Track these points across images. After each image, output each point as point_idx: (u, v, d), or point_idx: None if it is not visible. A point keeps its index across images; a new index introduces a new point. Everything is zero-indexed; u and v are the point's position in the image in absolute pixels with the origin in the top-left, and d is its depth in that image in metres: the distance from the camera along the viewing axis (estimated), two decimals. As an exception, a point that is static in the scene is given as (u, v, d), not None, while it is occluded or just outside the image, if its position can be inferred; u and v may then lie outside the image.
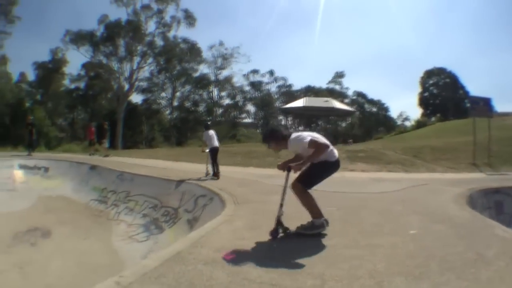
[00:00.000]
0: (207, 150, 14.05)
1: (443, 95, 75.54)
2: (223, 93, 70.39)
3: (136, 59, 55.59)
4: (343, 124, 75.13)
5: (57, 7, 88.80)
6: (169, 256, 4.75)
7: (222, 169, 14.08)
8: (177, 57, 58.41)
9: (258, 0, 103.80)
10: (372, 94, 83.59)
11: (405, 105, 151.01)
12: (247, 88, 73.09)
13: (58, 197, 15.88)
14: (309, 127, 67.11)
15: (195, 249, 4.96)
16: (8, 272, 8.75)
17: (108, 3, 53.75)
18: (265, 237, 5.45)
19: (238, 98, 72.40)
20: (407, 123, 79.00)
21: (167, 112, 67.54)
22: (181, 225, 9.82)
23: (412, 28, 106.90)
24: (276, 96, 75.89)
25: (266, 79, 74.30)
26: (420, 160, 19.74)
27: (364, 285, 3.78)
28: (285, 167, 5.55)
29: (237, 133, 60.92)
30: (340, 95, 71.09)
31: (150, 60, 57.41)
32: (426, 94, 79.36)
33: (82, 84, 62.25)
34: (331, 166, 5.76)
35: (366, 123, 75.88)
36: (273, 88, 75.96)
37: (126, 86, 54.91)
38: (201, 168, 14.78)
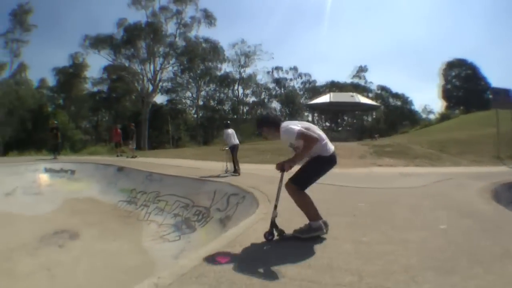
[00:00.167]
0: (226, 148, 15.08)
1: (465, 87, 73.74)
2: (248, 91, 70.35)
3: (159, 60, 56.17)
4: (369, 119, 74.23)
5: (73, 13, 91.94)
6: (207, 255, 4.74)
7: (251, 166, 14.62)
8: (200, 57, 58.68)
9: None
10: (394, 88, 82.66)
11: (427, 97, 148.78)
12: (271, 85, 72.78)
13: (85, 199, 16.00)
14: (335, 122, 66.98)
15: (233, 248, 4.99)
16: (36, 274, 8.81)
17: (126, 6, 55.08)
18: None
19: (263, 95, 72.14)
20: (431, 116, 78.37)
21: (193, 111, 67.78)
22: (214, 224, 9.79)
23: (430, 18, 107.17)
24: (300, 92, 75.37)
25: (290, 75, 74.02)
26: (446, 154, 20.09)
27: (399, 280, 3.83)
28: (282, 166, 5.37)
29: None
30: (364, 90, 70.33)
31: (172, 60, 57.75)
32: (448, 86, 77.66)
33: (104, 87, 63.31)
34: (326, 162, 5.48)
35: (391, 117, 74.89)
36: (297, 84, 75.56)
37: (150, 87, 55.46)
38: (228, 166, 15.21)
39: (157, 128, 54.95)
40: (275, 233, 5.41)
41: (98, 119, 64.51)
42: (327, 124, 71.58)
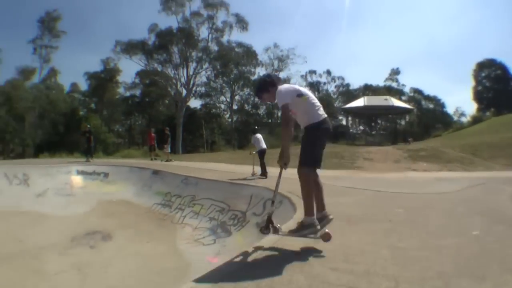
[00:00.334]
0: (254, 152, 15.96)
1: (495, 87, 71.69)
2: None
3: (192, 65, 56.28)
4: (402, 122, 73.14)
5: (103, 19, 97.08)
6: (245, 260, 4.77)
7: (287, 171, 13.57)
8: (233, 61, 58.68)
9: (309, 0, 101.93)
10: (427, 90, 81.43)
11: (460, 100, 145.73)
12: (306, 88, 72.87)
13: (119, 201, 16.16)
14: (369, 126, 66.20)
15: (273, 253, 4.96)
16: (65, 273, 8.83)
17: (156, 12, 55.81)
18: (339, 239, 5.36)
19: None
20: (463, 119, 76.12)
21: (227, 115, 67.95)
22: (250, 229, 9.71)
23: (461, 17, 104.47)
24: (334, 96, 74.95)
25: (323, 79, 73.64)
26: (478, 158, 20.00)
27: (434, 286, 3.85)
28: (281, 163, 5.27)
29: (298, 135, 59.92)
30: (397, 93, 69.29)
31: (206, 65, 57.91)
32: (479, 87, 75.69)
33: (137, 91, 63.97)
34: (322, 129, 5.18)
35: (424, 120, 73.56)
36: (331, 87, 75.19)
37: (184, 92, 55.53)
38: (255, 170, 15.85)
39: (192, 132, 55.25)
40: (271, 229, 5.30)
41: (131, 122, 65.58)
42: (361, 127, 71.05)
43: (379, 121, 68.73)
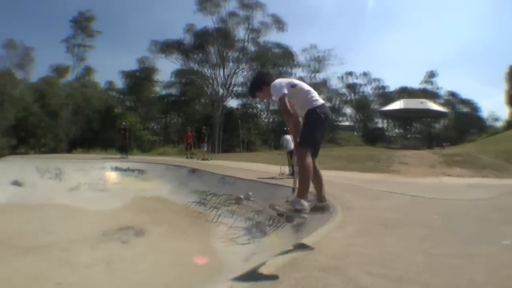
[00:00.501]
0: (283, 153, 16.83)
1: None
2: (321, 96, 69.72)
3: (229, 64, 56.36)
4: (437, 126, 71.53)
5: (139, 19, 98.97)
6: (284, 262, 4.77)
7: (325, 173, 13.56)
8: (271, 62, 58.44)
9: (345, 1, 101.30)
10: (463, 93, 78.66)
11: (495, 103, 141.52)
12: (343, 90, 72.01)
13: (153, 198, 16.33)
14: (405, 129, 65.32)
15: (309, 256, 4.95)
16: (95, 266, 8.86)
17: (191, 12, 56.52)
18: (375, 243, 5.57)
19: (335, 101, 71.34)
20: (498, 123, 73.75)
21: (264, 116, 67.76)
22: (286, 230, 9.40)
23: (492, 19, 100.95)
24: (372, 98, 74.08)
25: (361, 80, 72.89)
26: None
27: None
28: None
29: (336, 136, 59.71)
30: (433, 96, 67.64)
31: (243, 65, 57.88)
32: None
33: (174, 90, 64.25)
34: (316, 114, 5.15)
35: (459, 124, 71.66)
36: (368, 89, 74.32)
37: (221, 91, 55.72)
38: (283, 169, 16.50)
39: (229, 132, 55.44)
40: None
41: (167, 120, 66.13)
42: (397, 130, 70.12)
43: (415, 124, 67.54)
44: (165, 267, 8.63)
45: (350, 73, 72.32)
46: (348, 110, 73.58)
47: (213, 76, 55.86)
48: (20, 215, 13.93)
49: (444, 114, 53.64)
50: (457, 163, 19.73)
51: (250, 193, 5.84)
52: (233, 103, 64.16)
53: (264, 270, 4.48)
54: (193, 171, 18.05)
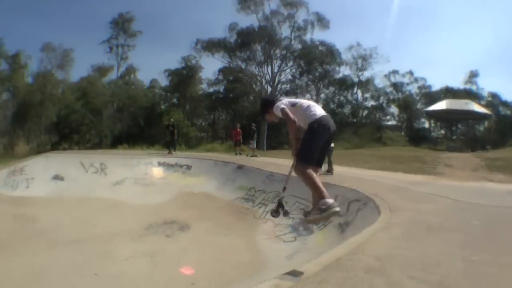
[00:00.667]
0: None
1: None
2: (367, 95, 68.66)
3: (276, 62, 56.39)
4: (480, 128, 69.04)
5: (181, 18, 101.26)
6: (330, 261, 4.96)
7: (371, 173, 15.71)
8: (317, 60, 58.08)
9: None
10: (503, 95, 75.48)
11: None
12: (389, 89, 70.74)
13: (200, 193, 16.37)
14: (449, 130, 63.71)
15: (355, 256, 5.12)
16: (137, 259, 9.00)
17: (233, 11, 57.15)
18: (418, 247, 5.62)
19: (382, 99, 70.16)
20: None
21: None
22: (332, 229, 9.54)
23: None
24: (417, 98, 72.39)
25: (406, 79, 71.33)
26: None
27: None
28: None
29: (382, 136, 58.80)
30: (475, 97, 65.31)
31: (290, 63, 57.81)
32: None
33: (220, 88, 64.86)
34: (316, 127, 5.48)
35: (500, 127, 68.92)
36: (413, 89, 72.66)
37: (269, 89, 55.66)
38: (349, 171, 16.43)
39: (276, 129, 55.23)
40: (281, 212, 5.90)
41: (215, 117, 66.73)
42: (442, 132, 68.42)
43: (459, 126, 65.73)
44: (208, 262, 8.60)
45: (394, 72, 71.07)
46: (394, 109, 72.42)
47: (261, 74, 55.97)
48: (60, 208, 14.33)
49: (486, 116, 51.68)
50: (499, 168, 19.12)
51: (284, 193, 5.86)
52: (279, 100, 64.33)
53: (309, 269, 4.61)
54: (240, 167, 18.05)
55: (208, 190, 16.57)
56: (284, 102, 5.68)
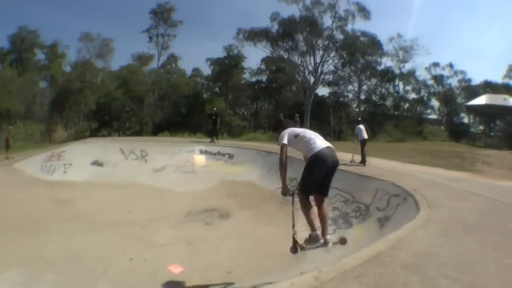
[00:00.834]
0: (356, 141, 17.59)
1: None
2: (408, 87, 67.30)
3: (319, 53, 55.79)
4: None
5: (221, 8, 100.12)
6: (369, 256, 5.09)
7: (411, 167, 15.74)
8: (360, 50, 57.27)
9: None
10: None
11: None
12: (430, 82, 69.01)
13: (242, 182, 16.39)
14: (488, 126, 61.73)
15: (394, 252, 5.29)
16: (174, 245, 9.06)
17: (276, 1, 55.86)
18: (455, 246, 5.72)
19: (423, 92, 68.56)
20: None
21: (355, 105, 66.62)
22: (371, 223, 9.69)
23: None
24: (457, 91, 70.33)
25: (446, 72, 69.30)
26: None
27: None
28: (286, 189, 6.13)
29: (423, 130, 57.42)
30: None
31: (333, 53, 57.17)
32: None
33: (263, 77, 64.64)
34: (311, 162, 6.00)
35: None
36: (453, 82, 70.54)
37: (312, 79, 55.29)
38: (389, 164, 16.61)
39: (319, 120, 54.84)
40: (299, 248, 5.98)
41: (257, 107, 66.49)
42: (481, 128, 66.33)
43: (498, 122, 63.49)
44: (246, 251, 8.58)
45: (435, 64, 69.33)
46: (435, 103, 70.69)
47: (304, 64, 55.59)
48: (99, 193, 14.60)
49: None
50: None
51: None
52: (324, 91, 63.74)
53: (349, 263, 4.75)
54: (284, 157, 17.70)
55: (250, 180, 16.58)
56: (286, 136, 6.18)
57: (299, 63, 54.82)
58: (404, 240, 5.84)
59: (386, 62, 62.73)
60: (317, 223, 5.98)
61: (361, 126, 17.09)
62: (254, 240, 9.52)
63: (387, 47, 60.70)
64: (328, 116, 53.74)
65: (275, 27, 54.69)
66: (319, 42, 54.36)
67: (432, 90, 66.41)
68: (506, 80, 66.62)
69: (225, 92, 59.81)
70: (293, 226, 6.08)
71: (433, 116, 68.08)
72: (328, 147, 5.99)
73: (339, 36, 55.14)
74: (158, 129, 43.89)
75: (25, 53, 54.22)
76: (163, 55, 59.67)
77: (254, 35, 54.57)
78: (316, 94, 56.73)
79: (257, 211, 12.45)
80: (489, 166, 18.78)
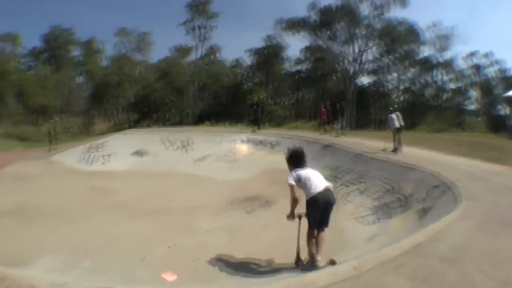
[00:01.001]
0: (390, 130, 17.28)
1: None
2: (447, 78, 65.72)
3: (358, 42, 55.14)
4: None
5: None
6: (409, 247, 5.27)
7: (450, 158, 15.65)
8: (399, 39, 56.33)
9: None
10: None
11: None
12: (468, 72, 67.07)
13: (285, 171, 15.68)
14: None
15: (433, 243, 5.42)
16: (215, 233, 9.20)
17: None
18: (492, 242, 5.68)
19: (461, 82, 66.77)
20: None
21: (395, 95, 65.68)
22: (411, 214, 9.52)
23: None
24: (495, 82, 68.08)
25: (484, 61, 67.08)
26: None
27: None
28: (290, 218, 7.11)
29: (462, 121, 56.01)
30: None
31: (372, 42, 56.46)
32: None
33: (304, 67, 64.13)
34: (309, 204, 6.69)
35: None
36: (491, 72, 68.21)
37: (352, 69, 54.77)
38: (429, 155, 16.24)
39: (361, 109, 54.32)
40: (304, 261, 6.80)
41: (299, 96, 66.22)
42: None
43: None
44: (287, 240, 8.23)
45: (474, 53, 67.34)
46: (474, 94, 68.72)
47: (344, 53, 55.14)
48: (139, 182, 14.93)
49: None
50: None
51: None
52: (365, 80, 63.07)
53: (388, 253, 5.00)
54: (327, 146, 17.87)
55: (292, 168, 16.33)
56: (293, 176, 6.95)
57: (339, 52, 54.42)
58: (442, 232, 5.95)
59: (425, 51, 61.62)
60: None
61: (393, 115, 17.02)
62: (295, 229, 9.29)
63: (425, 35, 59.72)
64: (369, 106, 53.23)
65: (313, 17, 54.41)
66: (358, 31, 53.91)
67: (470, 81, 64.93)
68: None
69: (266, 82, 59.87)
70: (298, 244, 6.84)
71: (473, 107, 66.64)
72: (324, 188, 6.74)
73: (377, 25, 54.63)
74: (199, 120, 44.13)
75: (60, 50, 56.69)
76: (202, 47, 60.05)
77: (293, 25, 54.59)
78: (357, 84, 56.26)
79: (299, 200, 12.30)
80: (527, 160, 18.39)
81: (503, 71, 63.90)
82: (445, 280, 4.14)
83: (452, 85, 62.07)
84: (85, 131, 45.30)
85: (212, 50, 60.56)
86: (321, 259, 6.55)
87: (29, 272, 5.58)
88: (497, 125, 49.91)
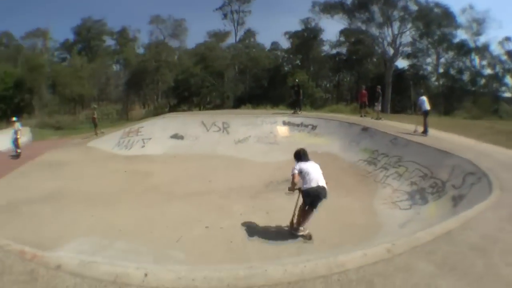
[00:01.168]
0: (420, 113, 17.47)
1: None
2: (483, 62, 63.59)
3: (396, 24, 54.17)
4: None
5: None
6: (441, 233, 5.43)
7: (485, 146, 15.11)
8: (435, 22, 54.93)
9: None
10: None
11: None
12: (503, 57, 64.59)
13: (323, 153, 15.96)
14: None
15: (464, 231, 5.53)
16: (252, 214, 9.32)
17: None
18: None
19: (498, 68, 64.42)
20: None
21: (433, 78, 64.23)
22: (445, 200, 9.48)
23: None
24: None
25: None
26: None
27: None
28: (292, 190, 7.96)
29: (498, 108, 54.30)
30: None
31: (409, 25, 55.33)
32: None
33: (343, 49, 63.55)
34: (304, 194, 7.91)
35: None
36: None
37: (391, 51, 53.91)
38: (464, 141, 15.71)
39: (400, 93, 53.53)
40: (291, 229, 8.25)
41: (339, 79, 65.92)
42: None
43: None
44: (323, 222, 8.53)
45: (508, 38, 64.84)
46: (510, 80, 66.32)
47: (382, 35, 54.38)
48: (178, 165, 15.26)
49: None
50: None
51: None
52: (403, 63, 61.93)
53: (421, 237, 5.18)
54: (366, 129, 17.70)
55: (332, 151, 16.50)
56: (297, 167, 7.96)
57: (377, 34, 53.84)
58: (474, 220, 6.05)
59: (461, 35, 60.02)
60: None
61: (424, 98, 17.20)
62: (332, 211, 9.32)
63: (460, 19, 58.16)
64: (408, 89, 52.41)
65: (350, -1, 53.52)
66: (395, 13, 52.95)
67: (506, 66, 62.85)
68: None
69: (306, 64, 59.60)
70: (294, 212, 8.05)
71: (508, 95, 64.63)
72: (317, 185, 7.74)
73: (413, 7, 53.57)
74: (239, 102, 44.37)
75: (93, 41, 58.22)
76: (239, 31, 60.30)
77: (330, 7, 54.28)
78: (396, 67, 55.42)
79: (337, 182, 12.05)
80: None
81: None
82: (472, 270, 4.25)
83: (489, 71, 60.32)
84: (124, 117, 46.27)
85: (249, 33, 60.63)
86: (302, 229, 7.97)
87: (58, 253, 5.80)
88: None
